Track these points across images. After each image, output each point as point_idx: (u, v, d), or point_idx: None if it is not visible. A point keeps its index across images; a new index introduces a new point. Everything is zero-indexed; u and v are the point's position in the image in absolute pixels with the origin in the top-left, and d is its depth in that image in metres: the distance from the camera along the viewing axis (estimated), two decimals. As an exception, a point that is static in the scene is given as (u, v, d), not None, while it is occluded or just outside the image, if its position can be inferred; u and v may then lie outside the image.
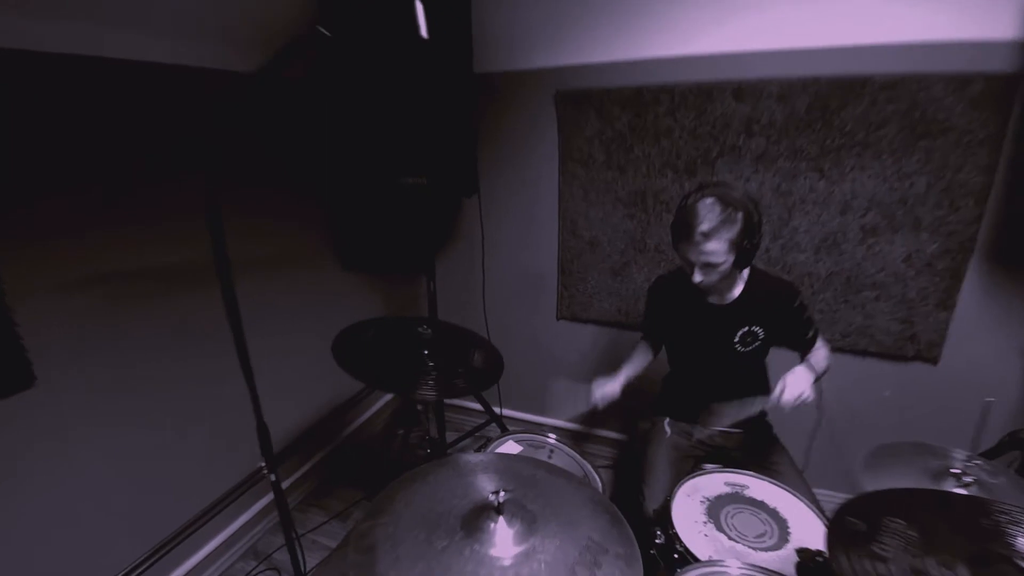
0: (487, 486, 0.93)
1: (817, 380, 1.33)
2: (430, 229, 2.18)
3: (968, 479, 1.04)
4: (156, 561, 1.63)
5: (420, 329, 1.37)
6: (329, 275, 2.27)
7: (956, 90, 1.58)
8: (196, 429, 1.75)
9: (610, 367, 2.19)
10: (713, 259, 1.28)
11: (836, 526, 0.73)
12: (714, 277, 1.33)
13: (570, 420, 2.46)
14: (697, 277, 1.33)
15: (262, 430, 1.25)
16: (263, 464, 2.00)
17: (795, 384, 1.25)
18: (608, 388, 1.49)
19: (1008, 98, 1.56)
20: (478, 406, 2.37)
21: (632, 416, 2.31)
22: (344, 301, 2.33)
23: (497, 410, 2.43)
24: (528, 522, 0.87)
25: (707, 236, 1.26)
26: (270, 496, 2.07)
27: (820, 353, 1.44)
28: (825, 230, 1.81)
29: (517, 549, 0.82)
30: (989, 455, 1.61)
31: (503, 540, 0.83)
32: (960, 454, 1.14)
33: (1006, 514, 0.76)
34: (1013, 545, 0.67)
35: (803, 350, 1.45)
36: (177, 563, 1.73)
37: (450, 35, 1.57)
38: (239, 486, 1.92)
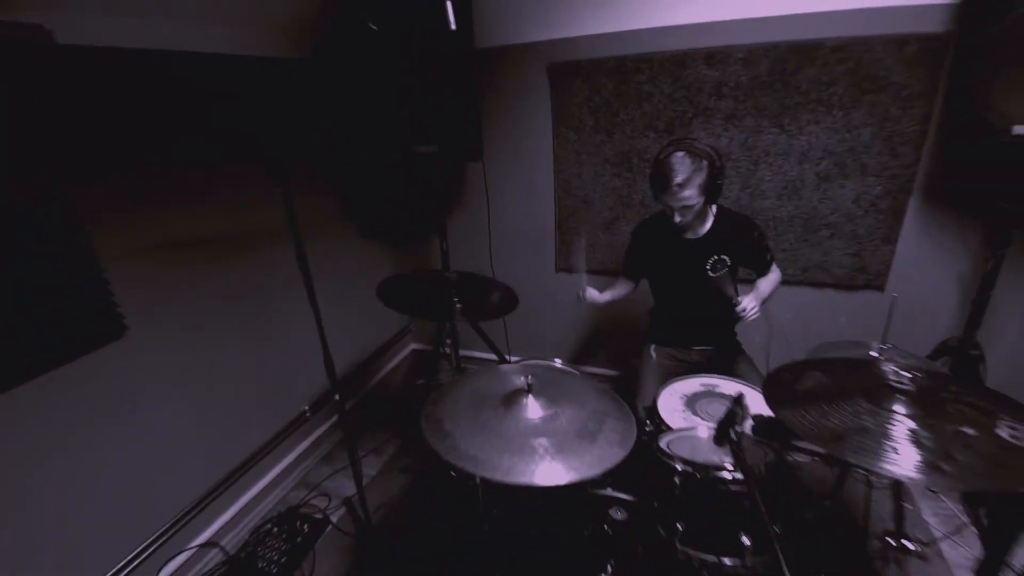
0: (519, 380, 1.21)
1: (766, 301, 1.68)
2: (441, 194, 2.43)
3: (881, 358, 1.35)
4: (226, 488, 1.93)
5: (447, 274, 1.63)
6: (351, 244, 2.53)
7: (895, 50, 1.83)
8: (254, 374, 2.03)
9: (603, 313, 2.50)
10: (688, 202, 1.56)
11: (772, 375, 1.03)
12: (689, 217, 1.61)
13: (571, 360, 2.77)
14: (677, 218, 1.61)
15: (328, 362, 1.51)
16: (306, 408, 2.31)
17: (750, 302, 1.61)
18: (594, 293, 1.80)
19: (939, 56, 1.81)
20: (490, 355, 2.66)
21: (625, 355, 2.62)
22: (364, 265, 2.59)
23: (507, 356, 2.73)
24: (550, 398, 1.16)
25: (682, 185, 1.53)
26: (314, 435, 2.40)
27: (772, 277, 1.78)
28: (786, 178, 2.08)
29: (543, 413, 1.11)
30: (931, 358, 1.95)
31: (533, 408, 1.12)
32: (879, 344, 1.45)
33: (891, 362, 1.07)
34: (885, 377, 0.97)
35: (762, 272, 1.78)
36: (243, 490, 2.03)
37: (457, 16, 1.78)
38: (289, 425, 2.22)
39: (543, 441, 1.03)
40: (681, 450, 1.20)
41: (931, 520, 1.83)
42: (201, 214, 1.76)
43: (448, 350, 1.83)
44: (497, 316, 1.61)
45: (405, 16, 1.58)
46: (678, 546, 1.07)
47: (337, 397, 1.54)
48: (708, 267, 1.74)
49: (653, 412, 1.50)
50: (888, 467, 0.75)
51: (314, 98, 2.00)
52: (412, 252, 2.85)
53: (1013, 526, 0.76)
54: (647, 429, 1.47)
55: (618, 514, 1.29)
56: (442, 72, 1.87)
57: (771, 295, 1.75)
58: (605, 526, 1.26)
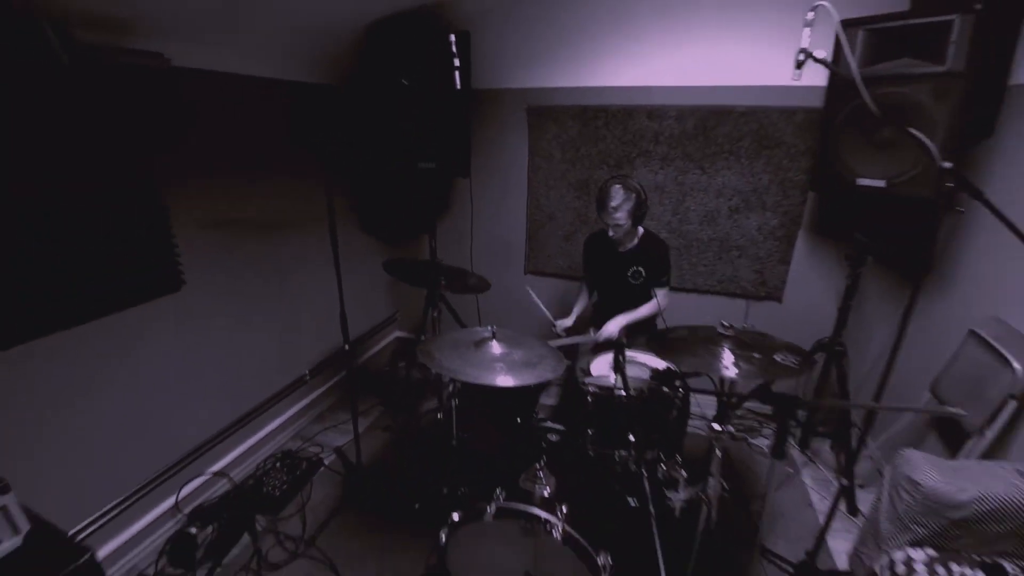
0: (486, 333, 1.70)
1: (632, 321, 2.24)
2: (434, 201, 2.94)
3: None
4: (240, 428, 2.34)
5: (437, 260, 2.13)
6: (351, 235, 3.01)
7: (787, 118, 2.45)
8: (271, 336, 2.47)
9: (563, 306, 3.01)
10: (619, 222, 2.10)
11: (655, 333, 1.56)
12: (620, 233, 2.14)
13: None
14: (611, 232, 2.14)
15: (344, 320, 1.95)
16: (307, 372, 2.74)
17: (608, 328, 2.18)
18: (564, 321, 2.31)
19: (819, 124, 2.43)
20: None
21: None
22: (361, 256, 3.06)
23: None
24: (509, 344, 1.65)
25: (616, 208, 2.07)
26: (311, 396, 2.82)
27: (651, 304, 2.27)
28: (706, 209, 2.67)
29: (503, 351, 1.60)
30: (811, 352, 2.50)
31: (496, 348, 1.61)
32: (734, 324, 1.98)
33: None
34: (716, 331, 1.50)
35: (658, 287, 2.26)
36: (251, 433, 2.44)
37: (461, 62, 2.33)
38: (292, 384, 2.64)
39: (500, 365, 1.53)
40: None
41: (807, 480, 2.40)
42: (250, 200, 2.24)
43: (435, 315, 2.30)
44: (471, 292, 2.10)
45: (422, 71, 2.14)
46: (588, 445, 1.56)
47: (347, 347, 1.98)
48: (629, 275, 2.27)
49: (587, 372, 2.01)
50: (714, 369, 1.27)
51: (344, 118, 2.53)
52: (403, 248, 3.34)
53: (784, 416, 1.26)
54: (583, 381, 1.98)
55: (553, 437, 1.78)
56: (444, 107, 2.40)
57: (638, 318, 2.26)
58: (543, 443, 1.74)
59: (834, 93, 2.24)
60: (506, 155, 2.94)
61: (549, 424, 1.83)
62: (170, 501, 2.06)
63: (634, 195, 2.08)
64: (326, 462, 2.47)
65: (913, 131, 1.40)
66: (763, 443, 2.68)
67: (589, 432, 1.60)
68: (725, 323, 1.50)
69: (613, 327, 2.18)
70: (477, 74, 2.69)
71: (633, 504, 1.46)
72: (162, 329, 1.95)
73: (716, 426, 1.32)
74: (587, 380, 1.74)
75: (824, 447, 2.64)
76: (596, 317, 2.46)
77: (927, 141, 1.37)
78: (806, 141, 2.46)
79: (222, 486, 2.28)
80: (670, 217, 2.72)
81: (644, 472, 1.47)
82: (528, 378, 1.48)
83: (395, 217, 3.15)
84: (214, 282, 2.12)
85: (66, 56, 1.14)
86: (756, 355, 1.35)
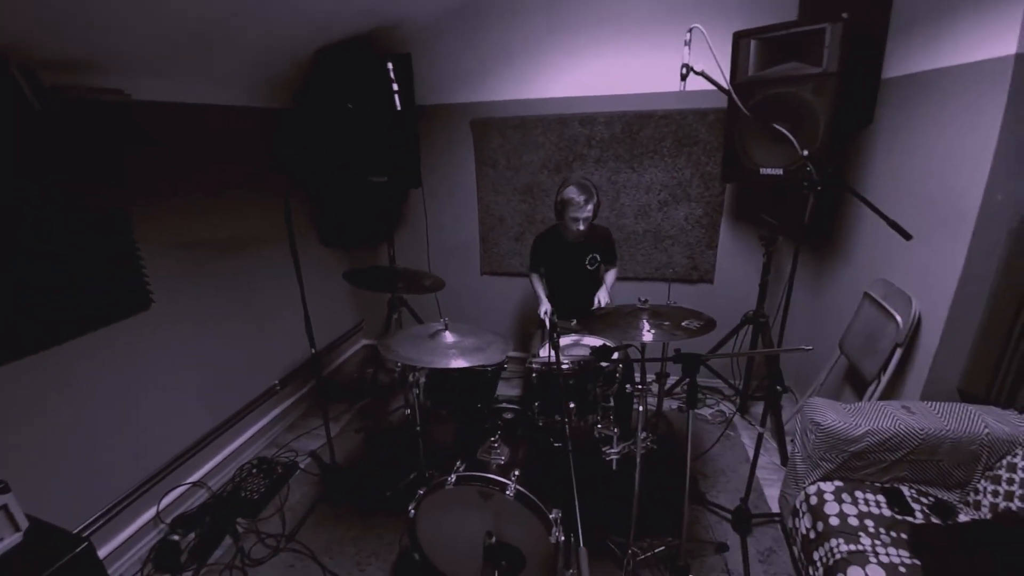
0: (440, 325, 1.89)
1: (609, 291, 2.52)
2: (390, 212, 3.12)
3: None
4: (215, 438, 2.45)
5: (394, 266, 2.31)
6: (312, 249, 3.15)
7: (700, 119, 2.75)
8: (239, 349, 2.58)
9: (520, 302, 3.23)
10: (589, 215, 2.32)
11: (592, 313, 1.79)
12: (586, 226, 2.35)
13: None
14: (579, 227, 2.33)
15: (309, 332, 2.11)
16: (276, 383, 2.86)
17: (604, 297, 2.42)
18: (545, 306, 2.49)
19: (726, 121, 2.74)
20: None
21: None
22: (322, 268, 3.21)
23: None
24: (460, 333, 1.85)
25: (586, 203, 2.29)
26: (283, 406, 2.93)
27: (612, 274, 2.61)
28: (639, 204, 2.95)
29: (455, 339, 1.80)
30: (735, 330, 2.80)
31: (449, 337, 1.81)
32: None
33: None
34: (635, 306, 1.75)
35: (611, 267, 2.60)
36: (228, 442, 2.54)
37: (402, 84, 2.53)
38: (263, 394, 2.75)
39: (453, 351, 1.72)
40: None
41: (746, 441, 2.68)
42: (215, 217, 2.36)
43: (396, 317, 2.47)
44: (428, 292, 2.29)
45: (366, 93, 2.33)
46: (534, 416, 1.78)
47: (313, 351, 2.13)
48: (587, 262, 2.53)
49: (535, 355, 2.22)
50: (635, 337, 1.51)
51: (297, 138, 2.69)
52: (363, 258, 3.49)
53: (689, 370, 1.50)
54: (528, 362, 2.19)
55: (508, 415, 1.98)
56: (390, 125, 2.59)
57: (612, 286, 2.60)
58: (499, 422, 1.94)
59: (737, 93, 2.54)
60: (455, 165, 3.15)
61: (504, 405, 2.03)
62: (152, 511, 2.14)
63: (594, 191, 2.32)
64: (302, 465, 2.59)
65: (777, 127, 1.69)
66: (706, 412, 2.97)
67: (536, 405, 1.81)
68: (641, 298, 1.75)
69: (606, 298, 2.45)
70: (423, 91, 2.90)
71: (557, 446, 1.68)
72: (135, 347, 2.04)
73: (628, 387, 1.55)
74: (532, 360, 1.95)
75: (759, 409, 2.94)
76: (555, 305, 2.69)
77: (788, 134, 1.66)
78: (719, 138, 2.76)
79: (201, 496, 2.37)
80: (607, 213, 2.98)
81: (566, 422, 1.65)
82: (478, 359, 1.68)
83: (354, 229, 3.30)
84: (183, 299, 2.23)
85: (38, 103, 1.27)
86: (667, 323, 1.60)
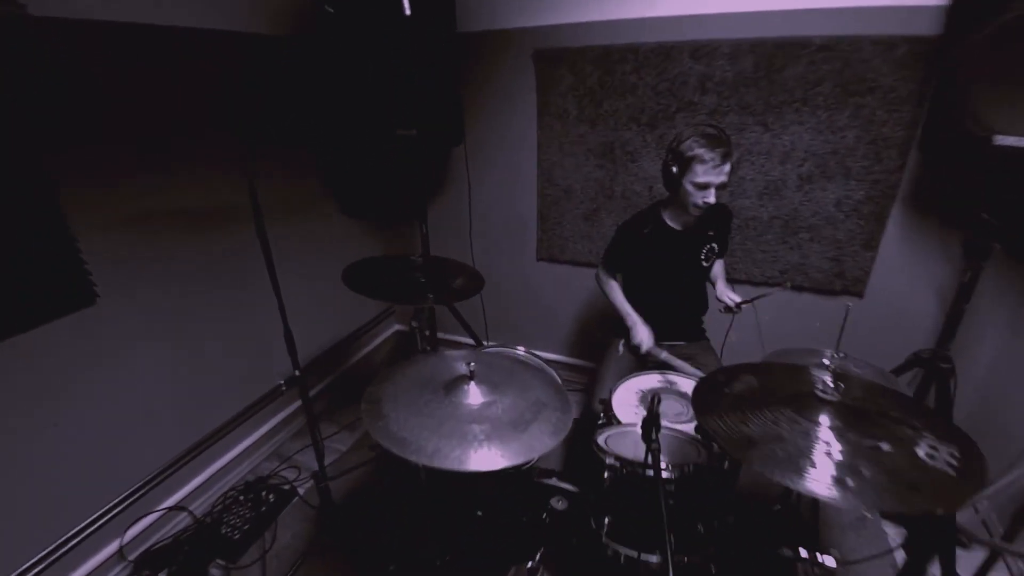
0: (464, 367, 1.23)
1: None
2: (421, 178, 2.43)
3: (829, 363, 1.34)
4: (198, 454, 1.98)
5: (413, 258, 1.65)
6: (332, 221, 2.54)
7: (883, 52, 1.79)
8: (229, 347, 2.06)
9: (586, 300, 2.50)
10: (725, 179, 1.56)
11: (703, 381, 1.03)
12: (716, 199, 1.59)
13: (554, 350, 2.79)
14: (712, 199, 1.58)
15: (289, 341, 1.53)
16: (282, 383, 2.34)
17: (732, 294, 1.79)
18: (643, 334, 1.73)
19: (929, 60, 1.77)
20: (469, 340, 2.68)
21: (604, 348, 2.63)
22: (346, 243, 2.60)
23: (485, 343, 2.75)
24: (492, 385, 1.18)
25: (724, 158, 1.53)
26: (289, 410, 2.44)
27: (722, 268, 1.97)
28: (767, 178, 2.06)
29: (482, 400, 1.13)
30: (898, 371, 1.93)
31: (473, 395, 1.14)
32: (831, 352, 1.44)
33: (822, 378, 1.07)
34: (815, 387, 0.97)
35: (720, 259, 1.89)
36: (214, 458, 2.08)
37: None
38: (263, 398, 2.26)
39: (477, 427, 1.05)
40: (620, 446, 1.21)
41: (890, 532, 1.85)
42: (177, 189, 1.77)
43: (414, 325, 1.83)
44: (459, 299, 1.62)
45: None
46: (604, 539, 1.10)
47: (297, 372, 1.56)
48: (702, 257, 1.77)
49: (607, 406, 1.51)
50: (788, 477, 0.76)
51: (289, 76, 2.00)
52: (396, 233, 2.86)
53: (925, 548, 0.76)
54: (600, 423, 1.49)
55: (559, 504, 1.31)
56: (419, 55, 1.85)
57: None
58: (544, 515, 1.28)
59: (965, 9, 1.58)
60: (509, 116, 2.37)
61: (555, 482, 1.37)
62: (114, 546, 1.73)
63: (730, 142, 1.57)
64: (301, 491, 2.10)
65: None
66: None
67: (606, 521, 1.12)
68: (825, 363, 0.97)
69: (735, 295, 1.79)
70: (466, 12, 2.11)
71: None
72: (82, 349, 1.57)
73: (803, 552, 0.82)
74: (603, 439, 1.24)
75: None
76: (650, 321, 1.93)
77: None
78: (910, 84, 1.80)
79: (181, 520, 1.95)
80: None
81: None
82: (518, 451, 1.00)
83: (379, 196, 2.65)
84: (142, 290, 1.71)
85: None
86: (882, 445, 0.82)
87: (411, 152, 2.26)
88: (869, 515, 1.93)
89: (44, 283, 1.46)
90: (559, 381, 1.29)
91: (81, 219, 1.50)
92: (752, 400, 0.96)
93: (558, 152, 2.34)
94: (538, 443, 1.03)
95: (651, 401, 0.94)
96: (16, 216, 1.36)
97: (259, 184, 1.34)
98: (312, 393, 2.52)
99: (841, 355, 1.37)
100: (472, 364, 1.16)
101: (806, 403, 0.94)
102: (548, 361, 2.80)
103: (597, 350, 2.68)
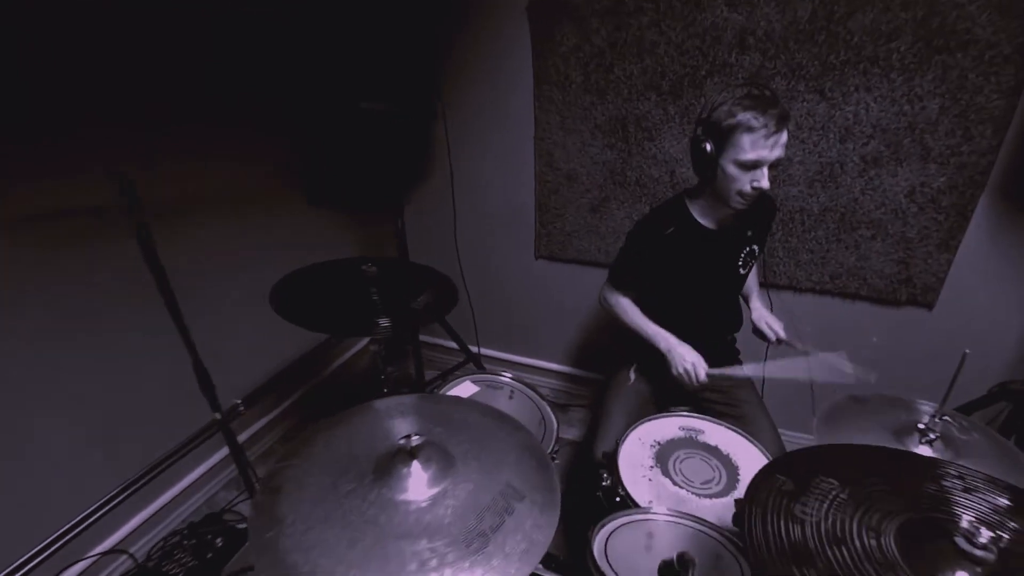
0: (409, 430, 0.88)
1: None
2: (395, 161, 2.04)
3: (933, 436, 0.96)
4: (136, 490, 1.66)
5: (364, 267, 1.28)
6: (294, 211, 2.17)
7: (982, -5, 1.35)
8: (145, 378, 1.69)
9: (591, 308, 2.13)
10: (780, 155, 1.16)
11: (758, 485, 0.67)
12: (766, 186, 1.18)
13: (554, 358, 2.43)
14: (765, 182, 1.17)
15: (202, 376, 1.19)
16: (240, 402, 2.00)
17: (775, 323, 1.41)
18: (694, 355, 1.33)
19: (1046, 4, 1.34)
20: (454, 344, 2.34)
21: (613, 358, 2.27)
22: (314, 241, 2.23)
23: (475, 349, 2.40)
24: (445, 466, 0.82)
25: (780, 125, 1.12)
26: (250, 431, 2.12)
27: (756, 279, 1.61)
28: (822, 160, 1.64)
29: (429, 492, 0.78)
30: (976, 405, 1.53)
31: (417, 484, 0.79)
32: (929, 407, 1.06)
33: (959, 479, 0.69)
34: (954, 516, 0.60)
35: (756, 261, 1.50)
36: (159, 491, 1.77)
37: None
38: (195, 437, 1.89)
39: (415, 545, 0.70)
40: (624, 544, 0.86)
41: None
42: (66, 187, 1.39)
43: (373, 349, 1.49)
44: (423, 323, 1.26)
45: None
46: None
47: (217, 415, 1.23)
48: (740, 263, 1.38)
49: (612, 461, 1.15)
50: None
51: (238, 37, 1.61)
52: (370, 226, 2.47)
53: None
54: (603, 484, 1.14)
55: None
56: (389, 13, 1.46)
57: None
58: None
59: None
60: (498, 84, 1.95)
61: None
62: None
63: (782, 103, 1.15)
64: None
65: None
66: None
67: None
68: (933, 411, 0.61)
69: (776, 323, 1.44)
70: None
71: None
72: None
73: None
74: (602, 541, 0.88)
75: None
76: (644, 348, 1.54)
77: None
78: (1016, 36, 1.36)
79: (123, 563, 1.67)
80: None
81: None
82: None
83: (353, 184, 2.27)
84: (34, 301, 1.37)
85: None
86: None
87: (380, 130, 1.88)
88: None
89: None
90: (539, 445, 0.93)
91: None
92: (833, 509, 0.60)
93: (559, 129, 1.92)
94: (503, 565, 0.68)
95: (678, 561, 0.58)
96: None
97: (204, 170, 0.96)
98: (272, 415, 2.21)
99: (948, 419, 0.99)
100: (414, 438, 0.80)
101: (937, 553, 0.57)
102: (549, 372, 2.48)
103: (603, 360, 2.33)
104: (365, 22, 1.54)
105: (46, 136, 1.29)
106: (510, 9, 1.80)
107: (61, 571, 1.49)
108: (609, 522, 0.95)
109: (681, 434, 1.22)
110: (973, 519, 0.59)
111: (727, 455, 1.16)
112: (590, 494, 1.16)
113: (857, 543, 0.58)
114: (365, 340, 2.80)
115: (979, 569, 0.53)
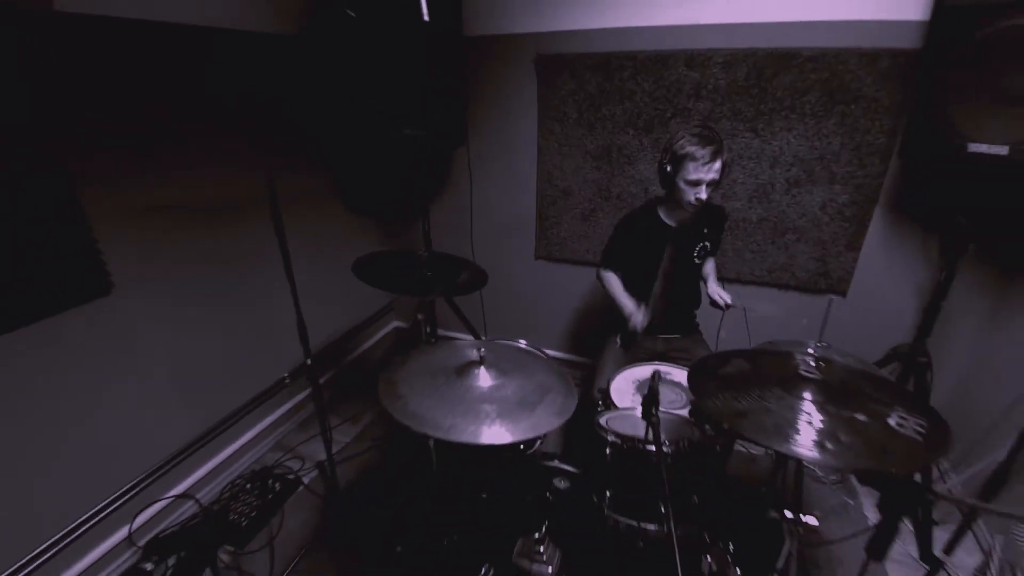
0: (473, 354, 1.30)
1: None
2: (425, 176, 2.50)
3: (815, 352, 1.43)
4: (204, 444, 2.03)
5: (419, 253, 1.72)
6: (337, 218, 2.60)
7: (867, 64, 1.90)
8: (237, 338, 2.12)
9: (583, 296, 2.58)
10: (715, 176, 1.64)
11: (697, 365, 1.12)
12: (707, 195, 1.66)
13: (552, 346, 2.86)
14: (703, 195, 1.65)
15: (302, 329, 1.58)
16: (286, 375, 2.39)
17: (724, 293, 1.83)
18: (639, 316, 1.80)
19: (909, 72, 1.88)
20: (468, 336, 2.75)
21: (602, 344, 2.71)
22: (350, 239, 2.66)
23: (483, 339, 2.82)
24: (501, 370, 1.25)
25: (715, 155, 1.61)
26: (293, 402, 2.49)
27: (713, 267, 2.03)
28: (757, 181, 2.16)
29: (491, 383, 1.20)
30: (880, 364, 2.03)
31: (484, 378, 1.21)
32: (815, 343, 1.54)
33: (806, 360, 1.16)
34: (798, 368, 1.06)
35: (711, 257, 1.99)
36: (220, 448, 2.12)
37: (443, 2, 1.84)
38: (269, 388, 2.31)
39: (489, 407, 1.13)
40: (619, 426, 1.29)
41: (870, 514, 1.96)
42: (190, 183, 1.83)
43: (420, 317, 1.90)
44: (463, 293, 1.69)
45: (384, 4, 1.65)
46: (605, 511, 1.17)
47: (309, 361, 1.62)
48: (695, 254, 1.85)
49: (606, 394, 1.59)
50: (776, 442, 0.85)
51: (301, 75, 2.07)
52: (398, 230, 2.93)
53: (896, 508, 0.85)
54: (598, 409, 1.57)
55: (561, 483, 1.39)
56: (431, 58, 1.93)
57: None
58: (548, 493, 1.36)
59: (943, 25, 1.69)
60: (511, 118, 2.45)
61: (557, 464, 1.44)
62: (123, 532, 1.78)
63: (722, 140, 1.64)
64: (306, 480, 2.15)
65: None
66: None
67: (607, 495, 1.20)
68: (815, 343, 1.07)
69: (726, 294, 1.84)
70: (472, 17, 2.20)
71: None
72: (96, 338, 1.62)
73: (788, 514, 0.90)
74: (605, 420, 1.32)
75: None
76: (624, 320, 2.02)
77: None
78: (893, 94, 1.91)
79: (188, 508, 2.00)
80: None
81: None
82: (526, 429, 1.08)
83: (387, 194, 2.72)
84: (155, 280, 1.76)
85: None
86: (858, 416, 0.91)
87: (417, 151, 2.34)
88: (851, 501, 2.04)
89: (62, 273, 1.51)
90: (558, 366, 1.36)
91: (99, 212, 1.56)
92: (743, 381, 1.05)
93: (558, 154, 2.42)
94: (544, 422, 1.11)
95: (652, 378, 1.02)
96: (37, 208, 1.41)
97: (247, 181, 1.38)
98: (305, 393, 2.58)
99: (824, 345, 1.47)
100: (482, 350, 1.23)
101: (791, 382, 1.03)
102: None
103: (594, 346, 2.78)
104: (416, 65, 1.97)
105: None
106: (522, 61, 2.30)
107: (141, 510, 1.81)
108: (606, 414, 1.39)
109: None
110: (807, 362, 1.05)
111: (685, 387, 1.61)
112: (590, 424, 1.60)
113: (754, 387, 1.03)
114: (384, 330, 3.20)
115: (813, 385, 0.99)
